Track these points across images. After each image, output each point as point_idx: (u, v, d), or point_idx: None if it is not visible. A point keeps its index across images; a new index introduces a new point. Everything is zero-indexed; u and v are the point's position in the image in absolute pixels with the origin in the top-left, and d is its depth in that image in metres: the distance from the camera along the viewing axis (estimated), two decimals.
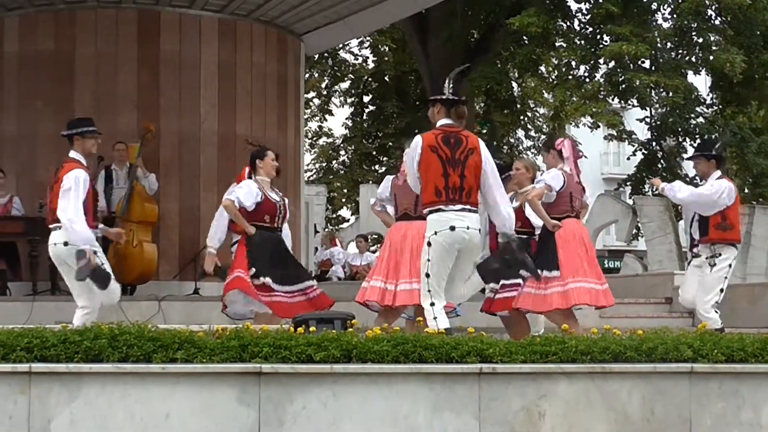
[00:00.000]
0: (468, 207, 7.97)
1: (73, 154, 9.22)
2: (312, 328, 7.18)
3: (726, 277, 10.03)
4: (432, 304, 7.95)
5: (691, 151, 28.00)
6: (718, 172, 10.21)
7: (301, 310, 9.08)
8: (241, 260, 9.63)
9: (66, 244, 8.90)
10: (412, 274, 8.95)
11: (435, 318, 7.89)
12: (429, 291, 7.98)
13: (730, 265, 10.08)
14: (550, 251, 9.33)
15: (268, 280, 9.53)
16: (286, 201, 10.03)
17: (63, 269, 9.13)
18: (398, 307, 9.28)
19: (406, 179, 8.79)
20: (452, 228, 7.87)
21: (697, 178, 10.40)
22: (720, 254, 10.01)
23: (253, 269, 9.52)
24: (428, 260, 7.97)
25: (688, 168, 28.72)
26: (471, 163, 7.97)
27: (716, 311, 10.07)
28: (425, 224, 8.21)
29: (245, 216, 9.64)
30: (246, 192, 9.64)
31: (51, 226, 9.11)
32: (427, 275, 7.98)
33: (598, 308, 9.67)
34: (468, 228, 7.91)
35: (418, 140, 8.10)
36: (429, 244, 7.97)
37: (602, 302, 9.44)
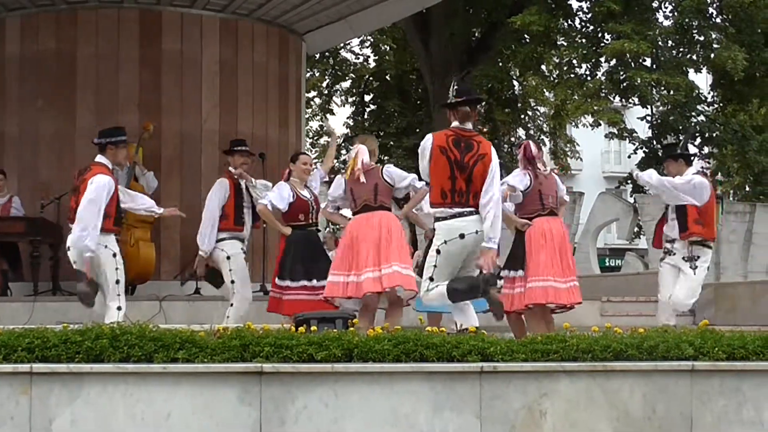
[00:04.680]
0: (473, 210, 8.02)
1: (100, 158, 9.27)
2: (313, 328, 7.19)
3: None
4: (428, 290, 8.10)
5: (692, 150, 28.13)
6: (692, 169, 10.15)
7: (308, 309, 9.14)
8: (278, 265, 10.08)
9: (107, 247, 9.03)
10: (378, 261, 8.95)
11: (437, 286, 8.03)
12: (428, 290, 8.10)
13: (708, 267, 10.04)
14: (519, 251, 9.34)
15: (287, 282, 9.88)
16: (318, 196, 10.36)
17: (101, 265, 9.17)
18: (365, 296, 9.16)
19: (359, 175, 9.05)
20: (462, 236, 7.96)
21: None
22: (698, 257, 9.92)
23: (278, 277, 9.97)
24: (434, 266, 8.06)
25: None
26: (480, 168, 8.00)
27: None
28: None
29: (280, 217, 10.06)
30: (277, 195, 9.97)
31: (71, 225, 9.15)
32: (431, 279, 8.08)
33: (560, 307, 9.53)
34: (477, 232, 7.99)
35: (429, 139, 8.12)
36: (438, 251, 8.03)
37: (562, 300, 9.36)
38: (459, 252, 8.02)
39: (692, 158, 10.28)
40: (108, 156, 9.27)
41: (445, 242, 7.98)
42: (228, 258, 10.50)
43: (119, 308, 9.02)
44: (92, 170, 9.15)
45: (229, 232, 10.57)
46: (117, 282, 9.07)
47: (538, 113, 33.52)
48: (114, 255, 9.09)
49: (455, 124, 8.16)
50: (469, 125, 8.17)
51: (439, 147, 7.99)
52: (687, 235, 10.01)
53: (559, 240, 9.38)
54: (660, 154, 10.72)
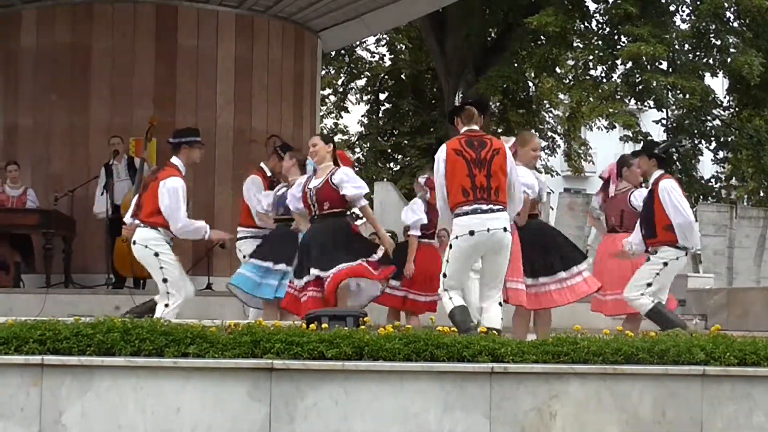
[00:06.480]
0: (495, 207, 8.08)
1: (174, 160, 9.42)
2: (324, 325, 7.20)
3: (658, 273, 9.43)
4: (446, 290, 8.15)
5: (707, 154, 28.08)
6: (659, 171, 9.96)
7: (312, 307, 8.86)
8: None
9: (146, 247, 9.10)
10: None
11: (450, 298, 8.09)
12: (446, 290, 8.14)
13: (665, 263, 9.66)
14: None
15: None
16: (327, 186, 9.32)
17: (146, 265, 9.31)
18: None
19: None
20: (471, 233, 8.01)
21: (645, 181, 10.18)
22: (656, 252, 9.73)
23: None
24: (446, 261, 8.18)
25: (703, 170, 28.74)
26: (497, 162, 8.13)
27: (643, 294, 9.70)
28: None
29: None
30: (291, 196, 9.68)
31: (138, 223, 9.26)
32: (444, 275, 8.17)
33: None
34: (488, 230, 8.03)
35: (443, 147, 8.31)
36: (450, 246, 8.17)
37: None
38: (469, 248, 8.08)
39: (665, 162, 10.10)
40: (182, 156, 9.43)
41: (457, 237, 8.09)
42: (244, 257, 10.57)
43: (166, 305, 9.07)
44: (166, 170, 9.32)
45: (249, 228, 10.60)
46: (164, 281, 9.11)
47: (552, 114, 33.48)
48: (156, 255, 9.13)
49: (464, 129, 8.33)
50: (475, 126, 8.34)
51: (453, 150, 8.17)
52: (655, 242, 9.68)
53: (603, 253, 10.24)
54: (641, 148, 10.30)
